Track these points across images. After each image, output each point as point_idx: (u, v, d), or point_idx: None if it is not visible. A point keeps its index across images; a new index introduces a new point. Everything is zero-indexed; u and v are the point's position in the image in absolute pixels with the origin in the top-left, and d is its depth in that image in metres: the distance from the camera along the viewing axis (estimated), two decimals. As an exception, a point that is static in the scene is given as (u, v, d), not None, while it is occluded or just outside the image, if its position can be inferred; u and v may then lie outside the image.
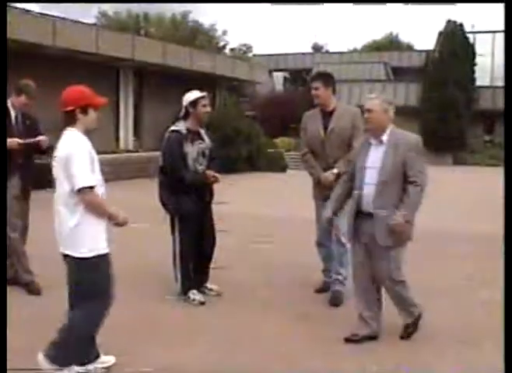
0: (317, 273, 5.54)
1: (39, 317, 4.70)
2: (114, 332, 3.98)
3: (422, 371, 3.83)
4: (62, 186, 3.51)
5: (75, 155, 3.44)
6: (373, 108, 4.16)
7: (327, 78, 5.26)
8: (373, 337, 4.30)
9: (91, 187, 3.45)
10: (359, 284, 4.34)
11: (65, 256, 3.57)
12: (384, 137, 4.16)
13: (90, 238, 3.51)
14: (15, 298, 5.08)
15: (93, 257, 3.51)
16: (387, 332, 4.38)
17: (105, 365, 3.76)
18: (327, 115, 5.22)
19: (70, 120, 3.55)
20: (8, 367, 3.23)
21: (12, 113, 5.32)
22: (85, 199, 3.45)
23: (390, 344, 4.26)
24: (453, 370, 3.87)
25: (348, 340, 4.25)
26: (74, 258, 3.52)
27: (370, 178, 4.15)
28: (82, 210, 3.48)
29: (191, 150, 5.03)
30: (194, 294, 5.11)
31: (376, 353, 4.11)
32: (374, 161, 4.16)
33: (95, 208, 3.50)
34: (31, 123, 5.46)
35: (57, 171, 3.54)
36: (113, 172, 15.14)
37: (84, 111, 3.55)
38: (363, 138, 4.43)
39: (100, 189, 3.59)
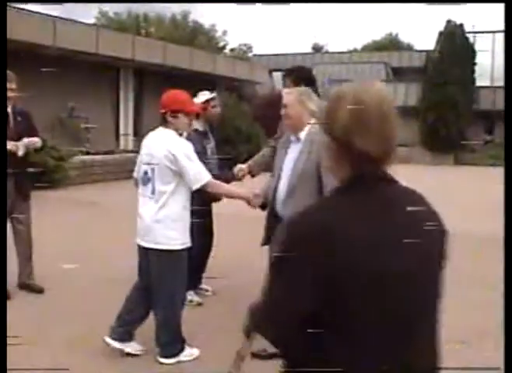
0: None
1: (39, 317, 4.70)
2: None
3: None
4: (163, 182, 3.74)
5: (187, 153, 3.74)
6: (289, 103, 3.80)
7: (298, 75, 4.57)
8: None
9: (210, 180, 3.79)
10: None
11: (151, 249, 3.82)
12: (302, 135, 3.81)
13: (183, 232, 3.82)
14: (15, 297, 5.08)
15: (181, 250, 3.82)
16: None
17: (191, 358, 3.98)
18: None
19: (163, 121, 3.86)
20: (8, 367, 3.24)
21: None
22: (214, 188, 3.84)
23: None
24: (453, 370, 3.88)
25: (254, 355, 3.85)
26: (166, 251, 3.77)
27: (284, 178, 3.83)
28: (181, 204, 3.79)
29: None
30: (191, 295, 5.11)
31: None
32: (290, 160, 3.84)
33: (225, 193, 3.97)
34: (23, 119, 5.30)
35: (160, 167, 3.74)
36: (112, 172, 15.17)
37: (174, 115, 3.81)
38: (285, 135, 4.04)
39: None
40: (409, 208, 1.46)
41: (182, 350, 3.94)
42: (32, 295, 5.27)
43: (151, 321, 3.97)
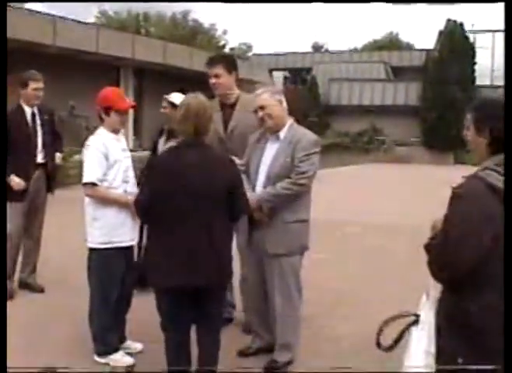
0: (314, 275, 5.54)
1: (40, 315, 4.70)
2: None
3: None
4: None
5: (86, 153, 3.74)
6: (266, 103, 3.69)
7: (230, 62, 4.35)
8: (268, 349, 3.92)
9: (93, 183, 3.66)
10: (250, 295, 4.05)
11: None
12: (282, 134, 3.73)
13: (102, 230, 3.72)
14: (15, 296, 5.08)
15: (104, 249, 3.72)
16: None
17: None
18: (227, 109, 4.27)
19: (99, 119, 3.84)
20: (8, 366, 3.23)
21: (27, 110, 5.11)
22: (86, 193, 3.73)
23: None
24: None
25: (241, 353, 3.96)
26: (90, 249, 3.81)
27: (261, 178, 3.72)
28: (94, 203, 3.75)
29: None
30: None
31: (375, 353, 4.10)
32: (267, 159, 3.73)
33: (98, 200, 3.72)
34: (49, 117, 5.34)
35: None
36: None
37: (106, 113, 3.78)
38: (258, 133, 3.90)
39: (122, 186, 3.78)
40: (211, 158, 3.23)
41: (112, 351, 3.85)
42: (32, 294, 5.27)
43: (147, 318, 3.97)
